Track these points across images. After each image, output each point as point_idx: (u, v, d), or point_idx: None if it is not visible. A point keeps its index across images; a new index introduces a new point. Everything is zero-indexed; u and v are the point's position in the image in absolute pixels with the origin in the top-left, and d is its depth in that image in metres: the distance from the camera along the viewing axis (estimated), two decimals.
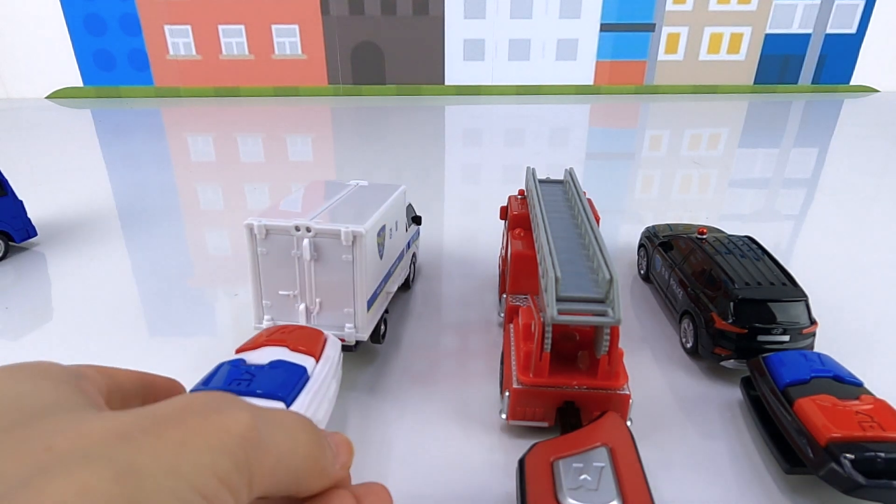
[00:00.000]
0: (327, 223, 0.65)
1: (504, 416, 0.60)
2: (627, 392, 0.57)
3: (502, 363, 0.67)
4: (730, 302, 0.69)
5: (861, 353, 0.74)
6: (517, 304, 0.71)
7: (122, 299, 0.91)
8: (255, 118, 2.27)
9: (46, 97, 2.67)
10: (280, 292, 0.69)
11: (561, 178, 0.88)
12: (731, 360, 0.69)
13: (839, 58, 2.75)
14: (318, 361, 0.53)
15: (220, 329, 0.84)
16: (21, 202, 1.07)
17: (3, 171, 1.04)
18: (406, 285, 0.91)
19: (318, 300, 0.69)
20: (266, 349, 0.54)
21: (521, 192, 0.86)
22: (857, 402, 0.54)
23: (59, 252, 1.08)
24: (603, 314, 0.53)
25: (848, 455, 0.48)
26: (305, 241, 0.65)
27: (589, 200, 0.78)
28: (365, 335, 0.69)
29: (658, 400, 0.67)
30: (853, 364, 0.63)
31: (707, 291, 0.74)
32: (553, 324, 0.53)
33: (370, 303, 0.69)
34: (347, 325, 0.68)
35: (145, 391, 0.31)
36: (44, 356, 0.76)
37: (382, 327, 0.76)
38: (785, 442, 0.55)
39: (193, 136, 2.03)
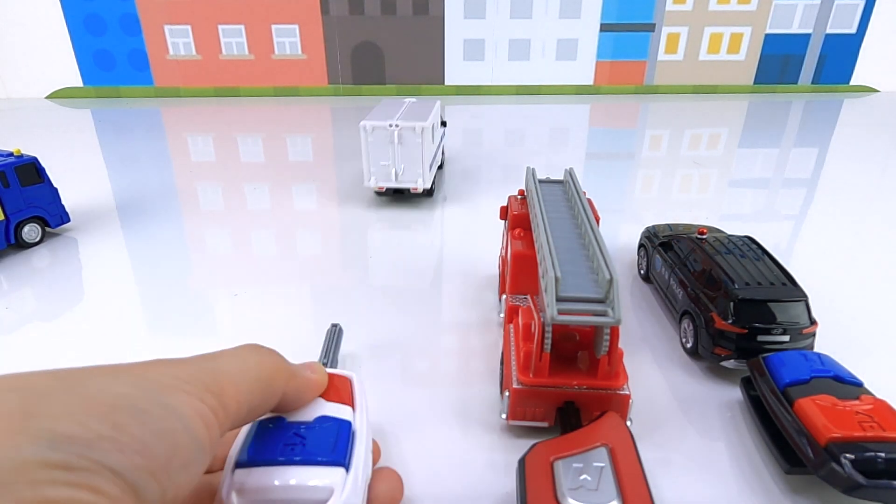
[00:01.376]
0: (406, 122, 1.18)
1: (504, 416, 0.60)
2: (627, 392, 0.57)
3: (502, 363, 0.66)
4: (730, 302, 0.69)
5: (861, 353, 0.74)
6: (517, 304, 0.71)
7: (121, 299, 0.91)
8: (255, 118, 2.27)
9: (46, 97, 2.67)
10: (381, 163, 1.22)
11: (561, 178, 0.88)
12: (731, 360, 0.69)
13: (839, 58, 2.75)
14: (354, 410, 0.49)
15: (221, 329, 0.84)
16: (56, 189, 1.13)
17: (38, 159, 1.09)
18: (440, 167, 1.53)
19: (402, 166, 1.22)
20: None
21: (521, 192, 0.86)
22: (857, 402, 0.54)
23: (65, 249, 1.08)
24: (603, 314, 0.53)
25: (848, 455, 0.48)
26: (395, 133, 1.17)
27: (589, 200, 0.78)
28: (429, 184, 1.25)
29: (658, 400, 0.67)
30: (853, 364, 0.63)
31: (707, 291, 0.74)
32: (553, 324, 0.53)
33: (430, 167, 1.25)
34: (419, 179, 1.23)
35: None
36: (51, 348, 0.76)
37: (432, 186, 1.31)
38: (785, 442, 0.55)
39: (193, 135, 2.03)
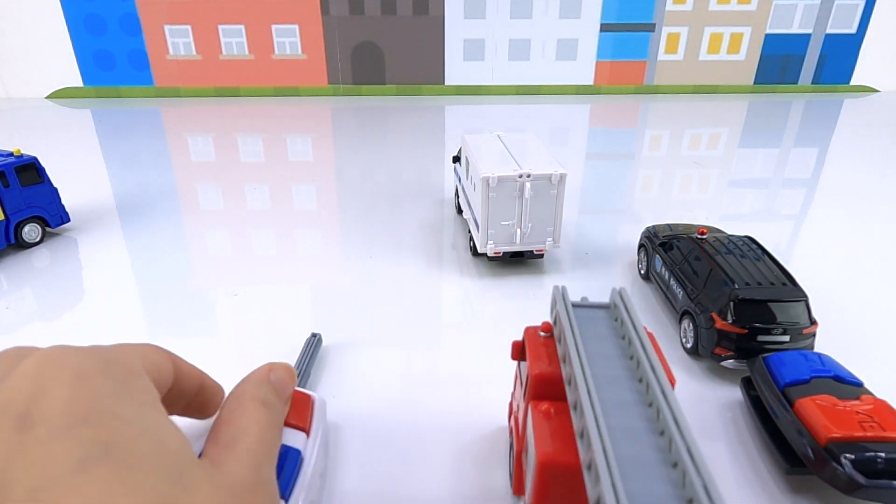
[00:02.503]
0: (541, 169, 0.91)
1: None
2: None
3: None
4: (730, 302, 0.69)
5: (861, 353, 0.74)
6: None
7: (121, 299, 0.91)
8: (255, 118, 2.27)
9: (46, 97, 2.67)
10: (502, 223, 0.93)
11: (606, 300, 0.54)
12: (731, 360, 0.69)
13: (839, 58, 2.75)
14: (308, 436, 0.49)
15: (221, 329, 0.84)
16: (56, 189, 1.13)
17: (38, 159, 1.09)
18: None
19: (529, 225, 0.94)
20: None
21: (545, 328, 0.52)
22: (857, 402, 0.54)
23: (65, 249, 1.08)
24: None
25: (848, 455, 0.48)
26: (528, 184, 0.90)
27: (650, 336, 0.48)
28: (559, 245, 0.97)
29: None
30: (853, 364, 0.63)
31: (707, 291, 0.74)
32: None
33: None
34: (548, 239, 0.96)
35: (199, 393, 0.42)
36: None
37: None
38: (785, 442, 0.55)
39: (193, 136, 2.02)
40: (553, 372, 0.47)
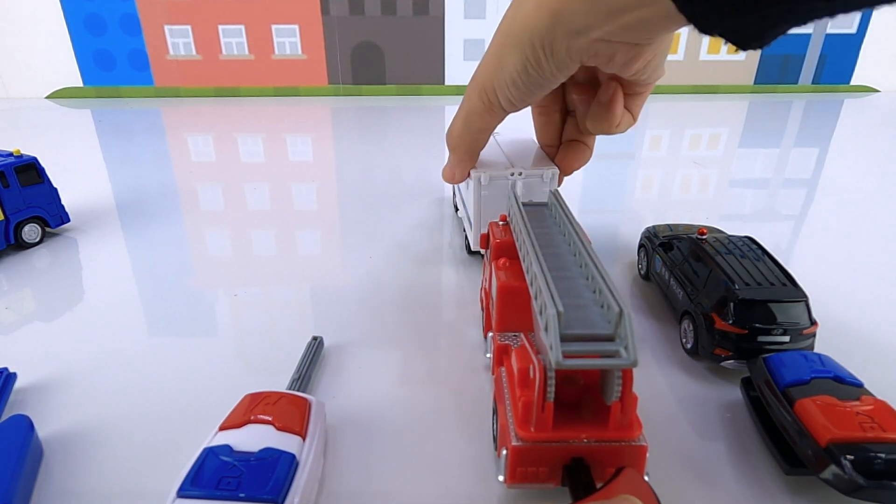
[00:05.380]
0: (533, 168, 0.90)
1: (502, 479, 0.51)
2: (644, 443, 0.49)
3: (495, 414, 0.58)
4: (730, 302, 0.69)
5: (861, 353, 0.74)
6: (506, 342, 0.64)
7: (120, 299, 0.91)
8: (255, 118, 2.27)
9: (46, 97, 2.67)
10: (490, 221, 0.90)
11: (545, 200, 0.79)
12: (731, 361, 0.69)
13: (839, 58, 2.75)
14: (304, 439, 0.50)
15: (221, 329, 0.84)
16: (56, 189, 1.13)
17: (38, 159, 1.09)
18: None
19: None
20: (251, 428, 0.51)
21: (502, 218, 0.77)
22: (857, 402, 0.54)
23: (65, 249, 1.08)
24: (615, 355, 0.45)
25: (848, 456, 0.48)
26: (520, 182, 0.89)
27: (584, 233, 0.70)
28: None
29: (658, 400, 0.67)
30: (853, 364, 0.63)
31: (707, 292, 0.74)
32: (558, 369, 0.45)
33: None
34: None
35: None
36: (42, 350, 0.76)
37: None
38: (785, 442, 0.55)
39: (193, 136, 2.02)
40: (508, 240, 0.70)
